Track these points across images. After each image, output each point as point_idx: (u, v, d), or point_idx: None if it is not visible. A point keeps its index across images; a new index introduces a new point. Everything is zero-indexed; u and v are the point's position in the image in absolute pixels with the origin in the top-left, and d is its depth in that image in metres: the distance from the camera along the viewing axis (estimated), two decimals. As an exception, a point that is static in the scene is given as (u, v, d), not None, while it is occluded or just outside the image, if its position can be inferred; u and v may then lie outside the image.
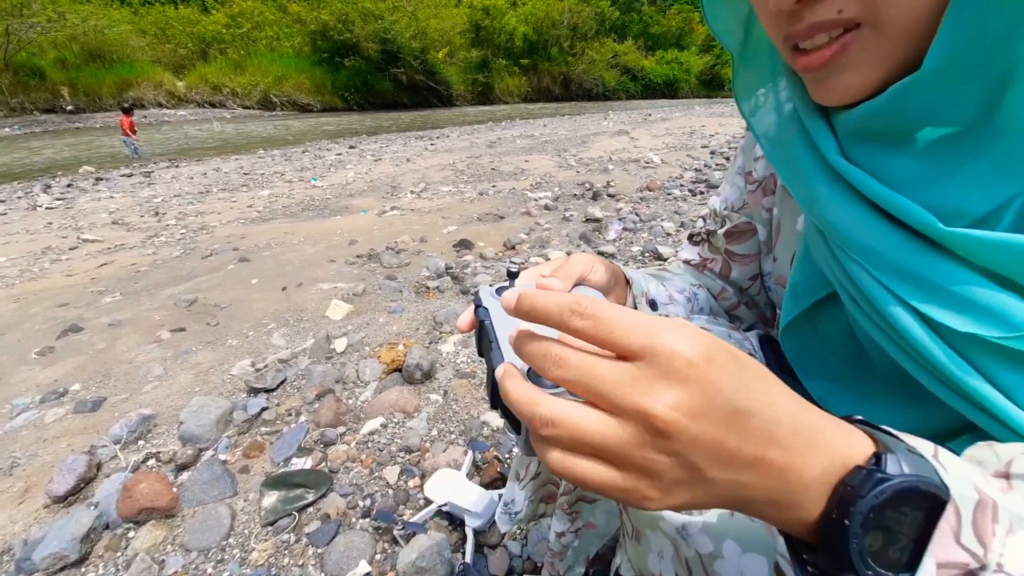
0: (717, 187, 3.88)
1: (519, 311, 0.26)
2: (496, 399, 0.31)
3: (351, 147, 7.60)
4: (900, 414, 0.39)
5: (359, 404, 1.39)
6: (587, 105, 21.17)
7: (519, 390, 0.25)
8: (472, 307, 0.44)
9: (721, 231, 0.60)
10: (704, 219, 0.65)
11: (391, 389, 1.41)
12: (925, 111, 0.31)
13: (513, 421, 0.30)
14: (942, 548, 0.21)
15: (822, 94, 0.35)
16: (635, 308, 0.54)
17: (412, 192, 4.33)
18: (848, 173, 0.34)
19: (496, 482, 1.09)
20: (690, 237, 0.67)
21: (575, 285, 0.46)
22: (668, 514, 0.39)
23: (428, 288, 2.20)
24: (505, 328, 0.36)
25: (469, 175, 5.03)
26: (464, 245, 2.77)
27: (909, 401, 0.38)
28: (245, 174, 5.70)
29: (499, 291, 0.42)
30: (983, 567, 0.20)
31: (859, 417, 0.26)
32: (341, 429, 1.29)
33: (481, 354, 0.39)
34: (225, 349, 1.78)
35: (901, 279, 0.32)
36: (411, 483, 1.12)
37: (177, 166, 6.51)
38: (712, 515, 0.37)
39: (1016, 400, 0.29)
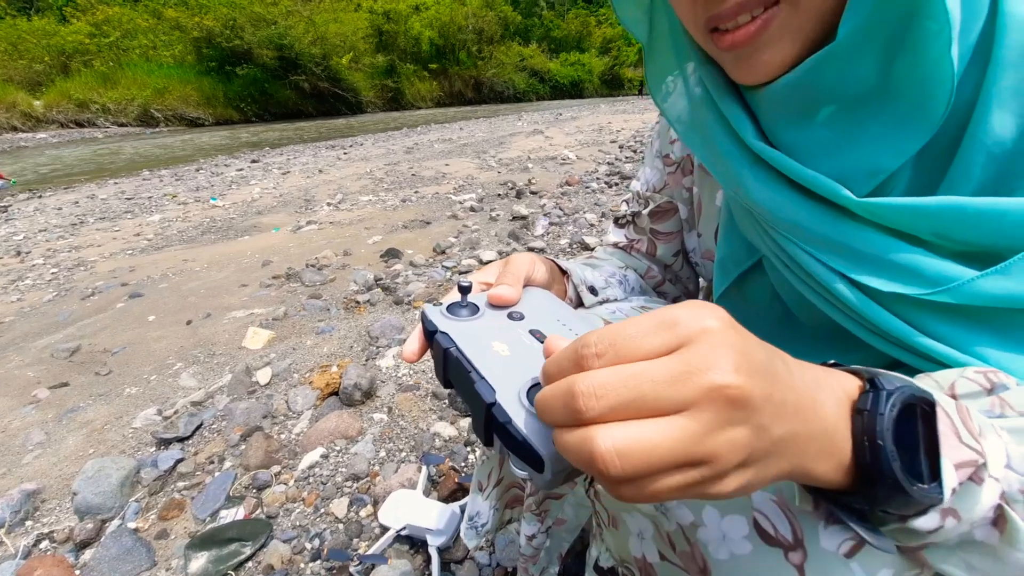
0: (630, 178, 4.09)
1: (544, 378, 0.25)
2: (491, 434, 0.28)
3: (254, 161, 7.03)
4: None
5: (293, 437, 1.27)
6: (500, 107, 21.46)
7: (570, 439, 0.22)
8: (418, 332, 0.40)
9: (645, 211, 0.63)
10: (627, 202, 0.68)
11: (329, 415, 1.30)
12: (837, 80, 0.32)
13: (526, 455, 0.26)
14: (952, 450, 0.23)
15: (746, 71, 0.36)
16: (577, 297, 0.54)
17: (329, 204, 4.09)
18: (764, 153, 0.36)
19: (456, 493, 1.04)
20: (616, 220, 0.69)
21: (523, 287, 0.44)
22: None
23: (358, 303, 2.07)
24: (479, 352, 0.32)
25: (389, 182, 4.86)
26: (392, 254, 2.66)
27: (837, 351, 0.41)
28: (128, 199, 5.04)
29: (451, 310, 0.38)
30: (984, 463, 0.23)
31: (832, 361, 0.28)
32: (275, 468, 1.16)
33: (448, 384, 0.35)
34: (123, 400, 1.54)
35: (828, 250, 0.35)
36: (363, 513, 1.03)
37: (40, 196, 5.60)
38: None
39: (951, 344, 0.31)
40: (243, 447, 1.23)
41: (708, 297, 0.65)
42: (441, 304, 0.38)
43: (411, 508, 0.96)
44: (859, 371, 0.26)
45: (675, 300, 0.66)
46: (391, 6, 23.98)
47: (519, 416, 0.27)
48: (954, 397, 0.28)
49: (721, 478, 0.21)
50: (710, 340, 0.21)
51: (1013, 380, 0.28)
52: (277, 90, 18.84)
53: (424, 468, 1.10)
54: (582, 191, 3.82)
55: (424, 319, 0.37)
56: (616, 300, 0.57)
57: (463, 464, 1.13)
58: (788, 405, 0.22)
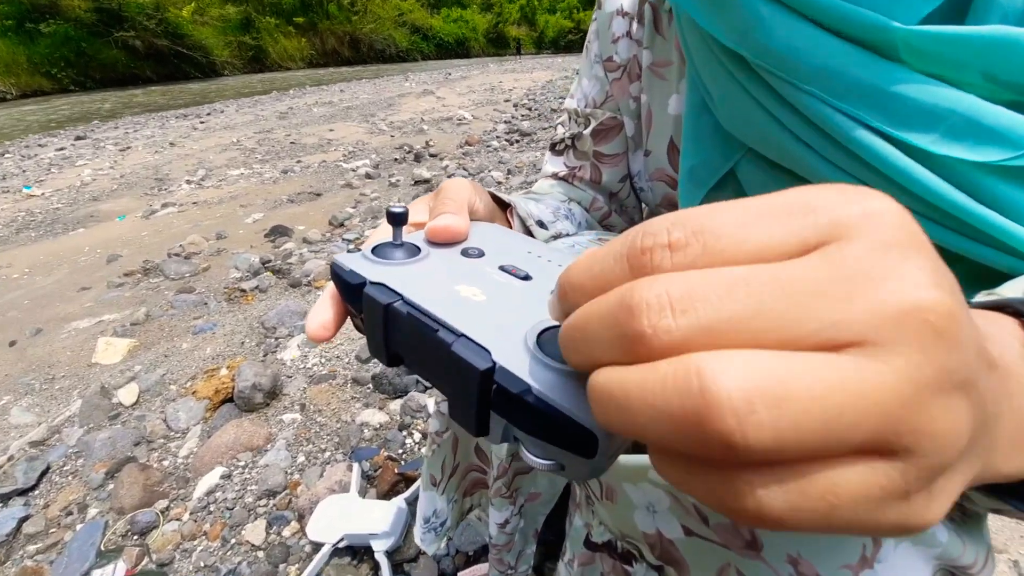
0: (530, 135, 4.03)
1: (565, 299, 0.15)
2: (486, 416, 0.18)
3: (79, 138, 5.71)
4: None
5: (181, 462, 1.04)
6: (384, 68, 19.94)
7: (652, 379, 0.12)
8: (330, 294, 0.26)
9: (587, 132, 0.54)
10: (563, 125, 0.58)
11: (225, 427, 1.08)
12: None
13: (561, 434, 0.16)
14: None
15: None
16: (528, 234, 0.45)
17: (189, 182, 3.46)
18: None
19: (397, 486, 0.92)
20: (552, 147, 0.59)
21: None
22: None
23: (244, 291, 1.77)
24: (443, 302, 0.21)
25: (264, 152, 4.25)
26: (279, 232, 2.32)
27: None
28: None
29: (380, 252, 0.25)
30: None
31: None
32: (161, 504, 0.94)
33: (395, 360, 0.22)
34: (-84, 455, 1.15)
35: (865, 102, 0.28)
36: (287, 532, 0.87)
37: None
38: None
39: (1017, 218, 0.26)
40: (111, 486, 0.98)
41: None
42: (361, 250, 0.25)
43: (347, 514, 0.83)
44: (1004, 305, 0.18)
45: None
46: (235, -53, 20.60)
47: (541, 378, 0.16)
48: None
49: (927, 485, 0.12)
50: (881, 233, 0.12)
51: None
52: (99, 50, 15.43)
53: (355, 466, 0.95)
54: (484, 150, 3.67)
55: (339, 272, 0.24)
56: (570, 235, 0.49)
57: (400, 452, 1.01)
58: (985, 352, 0.13)
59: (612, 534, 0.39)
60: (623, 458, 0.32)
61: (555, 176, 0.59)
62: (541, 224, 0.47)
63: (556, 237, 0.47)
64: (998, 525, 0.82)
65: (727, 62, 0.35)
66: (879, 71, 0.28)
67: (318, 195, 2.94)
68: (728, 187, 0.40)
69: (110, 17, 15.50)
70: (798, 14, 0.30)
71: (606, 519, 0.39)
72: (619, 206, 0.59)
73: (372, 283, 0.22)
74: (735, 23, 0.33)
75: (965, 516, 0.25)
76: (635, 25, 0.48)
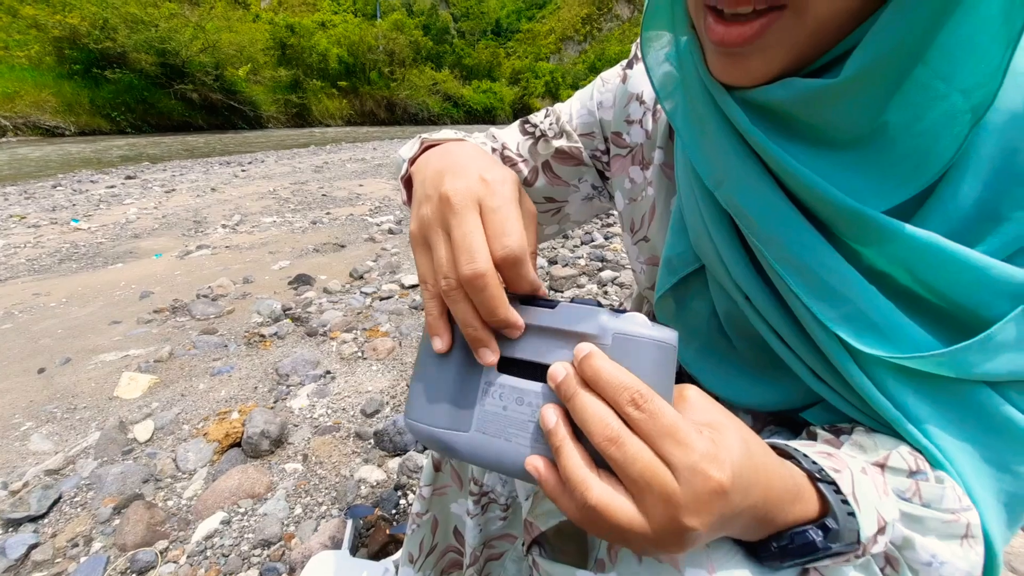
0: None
1: (582, 370, 0.27)
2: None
3: (128, 177, 6.16)
4: (760, 393, 0.42)
5: (184, 503, 1.08)
6: (415, 129, 21.31)
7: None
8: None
9: (555, 143, 0.55)
10: (546, 116, 0.57)
11: (230, 472, 1.12)
12: (834, 115, 0.30)
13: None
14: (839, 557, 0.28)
15: (728, 71, 0.33)
16: None
17: (224, 226, 3.69)
18: (774, 152, 0.32)
19: (388, 547, 0.94)
20: (523, 124, 0.58)
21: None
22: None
23: (263, 337, 1.86)
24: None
25: (296, 203, 4.53)
26: (303, 281, 2.45)
27: (767, 382, 0.41)
28: (-47, 220, 4.12)
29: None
30: (862, 556, 0.28)
31: (818, 468, 0.29)
32: (162, 544, 0.97)
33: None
34: (-61, 475, 1.20)
35: (799, 275, 0.33)
36: (276, 585, 0.89)
37: None
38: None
39: (900, 407, 0.32)
40: (116, 522, 1.01)
41: (639, 307, 0.62)
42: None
43: (337, 571, 0.85)
44: (826, 497, 0.28)
45: None
46: (294, 20, 22.94)
47: None
48: (883, 466, 0.31)
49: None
50: (701, 496, 0.25)
51: (932, 474, 0.31)
52: (159, 99, 16.91)
53: (349, 522, 0.98)
54: (501, 214, 3.86)
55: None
56: None
57: (394, 512, 1.04)
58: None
59: None
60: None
61: (494, 151, 0.57)
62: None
63: None
64: None
65: (699, 193, 0.39)
66: (816, 256, 0.32)
67: (342, 246, 3.11)
68: (697, 280, 0.44)
69: (173, 71, 17.08)
70: (770, 177, 0.33)
71: None
72: None
73: None
74: (714, 170, 0.37)
75: None
76: (648, 118, 0.50)
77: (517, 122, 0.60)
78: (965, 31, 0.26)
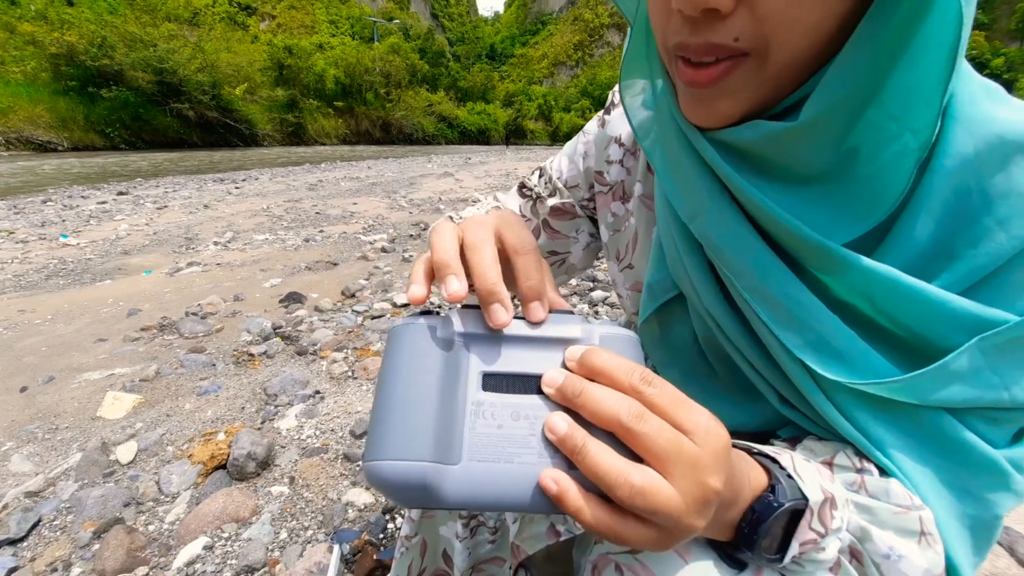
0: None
1: (584, 367, 0.27)
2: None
3: (121, 193, 6.14)
4: (739, 415, 0.43)
5: (166, 528, 1.05)
6: (410, 149, 21.60)
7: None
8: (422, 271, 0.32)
9: (549, 201, 0.60)
10: (540, 176, 0.62)
11: (215, 495, 1.10)
12: (790, 156, 0.32)
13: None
14: (801, 533, 0.30)
15: (698, 113, 0.35)
16: None
17: (216, 243, 3.68)
18: (746, 190, 0.34)
19: (375, 572, 0.93)
20: (521, 187, 0.63)
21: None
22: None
23: (252, 355, 1.85)
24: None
25: (290, 220, 4.54)
26: (293, 299, 2.44)
27: (746, 404, 0.43)
28: (-62, 234, 4.07)
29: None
30: (825, 536, 0.30)
31: (758, 450, 0.32)
32: (142, 571, 0.94)
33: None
34: (-89, 498, 1.17)
35: (767, 305, 0.35)
36: (259, 613, 0.87)
37: None
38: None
39: (861, 430, 0.33)
40: (96, 547, 0.99)
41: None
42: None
43: (321, 599, 0.84)
44: (769, 470, 0.31)
45: None
46: (292, 42, 23.35)
47: None
48: (831, 465, 0.34)
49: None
50: (715, 452, 0.27)
51: (875, 470, 0.34)
52: (154, 116, 16.99)
53: (336, 547, 0.96)
54: (494, 234, 3.90)
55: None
56: None
57: (381, 536, 1.02)
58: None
59: None
60: None
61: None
62: None
63: None
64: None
65: (674, 225, 0.41)
66: (780, 281, 0.34)
67: (335, 264, 3.11)
68: (679, 306, 0.46)
69: (169, 89, 17.22)
70: (740, 212, 0.35)
71: None
72: None
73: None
74: (688, 204, 0.39)
75: None
76: (628, 157, 0.53)
77: (515, 187, 0.65)
78: (912, 80, 0.28)
